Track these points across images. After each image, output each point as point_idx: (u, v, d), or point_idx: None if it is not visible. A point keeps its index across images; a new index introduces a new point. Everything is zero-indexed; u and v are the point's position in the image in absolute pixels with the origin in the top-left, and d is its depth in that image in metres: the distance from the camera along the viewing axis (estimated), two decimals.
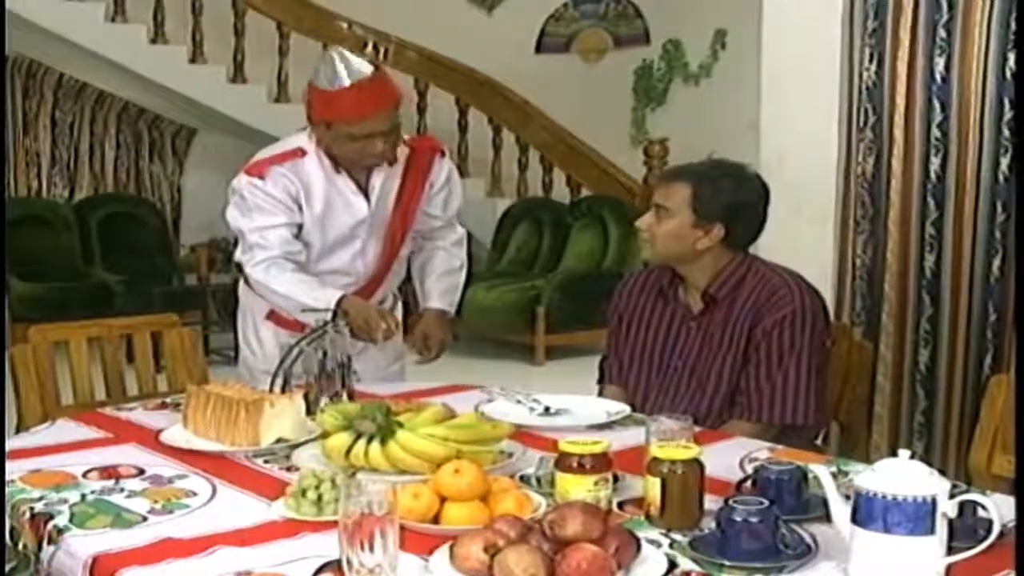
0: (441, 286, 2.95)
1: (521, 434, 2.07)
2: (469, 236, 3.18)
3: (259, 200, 2.70)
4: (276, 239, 2.70)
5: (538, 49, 8.53)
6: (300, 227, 2.74)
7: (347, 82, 2.59)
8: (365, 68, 2.63)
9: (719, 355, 2.38)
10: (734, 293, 2.37)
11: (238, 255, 2.80)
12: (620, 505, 1.74)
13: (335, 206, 2.75)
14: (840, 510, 1.51)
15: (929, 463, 1.50)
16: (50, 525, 1.66)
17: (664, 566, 1.48)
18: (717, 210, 2.34)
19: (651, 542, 1.56)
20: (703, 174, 2.38)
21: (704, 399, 2.38)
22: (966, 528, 1.51)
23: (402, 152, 2.80)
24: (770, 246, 3.20)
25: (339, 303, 2.60)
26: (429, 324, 2.91)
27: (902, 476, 1.45)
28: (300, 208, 2.73)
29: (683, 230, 2.35)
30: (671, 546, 1.58)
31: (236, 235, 2.81)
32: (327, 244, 2.79)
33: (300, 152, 2.74)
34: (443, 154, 2.89)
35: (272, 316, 2.86)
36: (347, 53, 2.67)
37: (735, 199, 2.36)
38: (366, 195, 2.77)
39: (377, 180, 2.76)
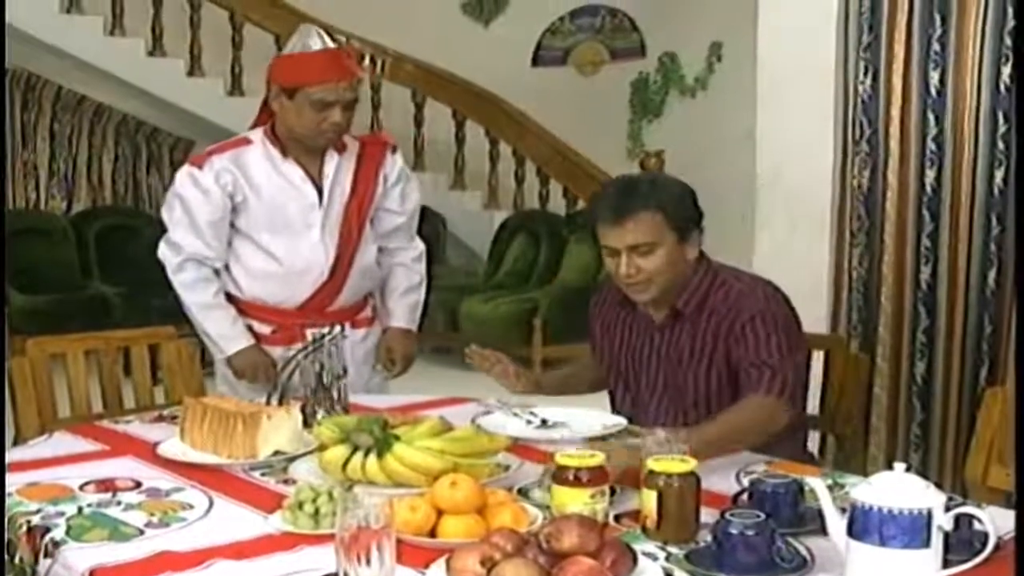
0: (403, 304, 3.00)
1: (518, 447, 2.08)
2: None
3: (190, 193, 2.76)
4: (195, 242, 2.79)
5: (535, 62, 8.54)
6: (230, 223, 2.80)
7: (319, 45, 2.71)
8: (333, 42, 2.79)
9: (690, 368, 2.32)
10: (700, 307, 2.31)
11: (161, 250, 2.86)
12: (616, 518, 1.75)
13: (282, 193, 2.78)
14: (836, 523, 1.52)
15: (926, 475, 1.51)
16: (47, 538, 1.66)
17: None
18: (688, 214, 2.28)
19: (647, 555, 1.57)
20: (653, 192, 2.27)
21: (682, 412, 2.33)
22: (962, 541, 1.51)
23: (354, 145, 2.86)
24: (766, 257, 3.21)
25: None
26: (393, 340, 2.96)
27: (898, 489, 1.45)
28: (235, 200, 2.76)
29: (674, 253, 2.26)
30: (667, 559, 1.58)
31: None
32: (279, 233, 2.79)
33: (245, 141, 2.81)
34: (395, 149, 2.94)
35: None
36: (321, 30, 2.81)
37: (687, 194, 2.31)
38: (318, 185, 2.79)
39: (329, 168, 2.80)
